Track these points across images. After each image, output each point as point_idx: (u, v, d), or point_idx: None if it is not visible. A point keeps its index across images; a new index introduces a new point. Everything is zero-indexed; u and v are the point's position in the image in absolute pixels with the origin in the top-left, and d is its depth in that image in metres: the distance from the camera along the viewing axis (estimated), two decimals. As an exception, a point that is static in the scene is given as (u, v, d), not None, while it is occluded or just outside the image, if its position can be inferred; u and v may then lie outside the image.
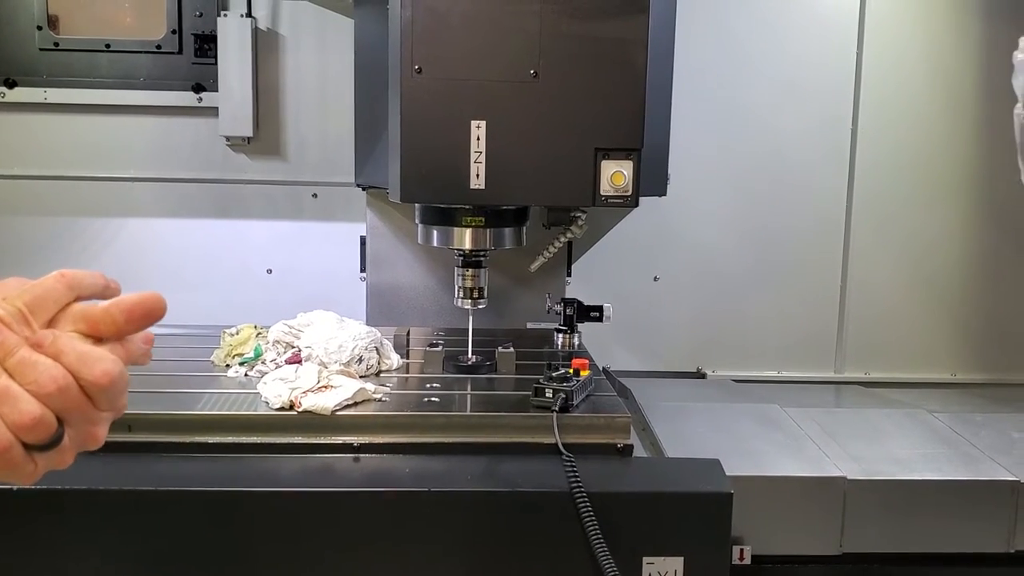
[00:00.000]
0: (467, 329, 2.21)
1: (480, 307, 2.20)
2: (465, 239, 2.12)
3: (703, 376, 2.97)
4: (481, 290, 2.19)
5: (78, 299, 0.72)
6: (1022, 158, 2.09)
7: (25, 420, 0.65)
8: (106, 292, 0.74)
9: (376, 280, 2.64)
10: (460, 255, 2.17)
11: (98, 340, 0.70)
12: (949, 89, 2.88)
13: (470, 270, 2.17)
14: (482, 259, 2.18)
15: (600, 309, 2.40)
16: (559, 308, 2.41)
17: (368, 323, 2.40)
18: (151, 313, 0.72)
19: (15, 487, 1.64)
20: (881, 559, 2.03)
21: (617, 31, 1.96)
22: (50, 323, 0.69)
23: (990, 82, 2.84)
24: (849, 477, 2.00)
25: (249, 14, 2.74)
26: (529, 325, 2.64)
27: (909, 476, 2.04)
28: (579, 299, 2.42)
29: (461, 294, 2.19)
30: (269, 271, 2.93)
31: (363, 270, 2.65)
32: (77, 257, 2.80)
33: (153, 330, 0.74)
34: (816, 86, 2.87)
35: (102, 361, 0.68)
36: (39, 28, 2.74)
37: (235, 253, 2.90)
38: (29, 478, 0.68)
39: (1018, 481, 2.01)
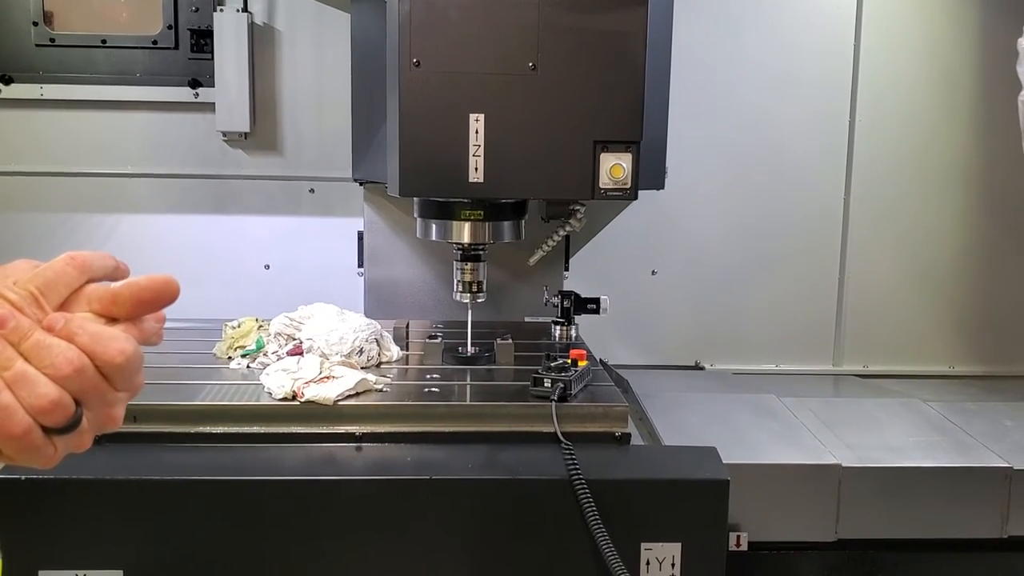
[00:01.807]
0: (465, 321, 2.23)
1: (479, 301, 2.21)
2: (464, 233, 2.14)
3: (701, 369, 2.98)
4: (480, 284, 2.20)
5: (89, 281, 0.72)
6: None
7: (43, 403, 0.64)
8: (116, 274, 0.74)
9: (374, 275, 2.65)
10: (459, 249, 2.18)
11: (111, 320, 0.70)
12: (946, 81, 2.89)
13: (469, 264, 2.19)
14: (481, 253, 2.19)
15: (597, 301, 2.42)
16: (556, 301, 2.42)
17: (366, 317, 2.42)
18: (160, 297, 0.72)
19: (22, 475, 1.65)
20: (876, 545, 2.06)
21: (616, 23, 1.97)
22: (62, 306, 0.69)
23: (987, 73, 2.86)
24: (844, 465, 2.02)
25: (245, 9, 2.75)
26: (526, 318, 2.65)
27: (903, 463, 2.06)
28: (576, 291, 2.44)
29: (460, 288, 2.20)
30: (267, 266, 2.94)
31: (361, 265, 2.66)
32: (74, 253, 2.80)
33: None
34: (814, 78, 2.88)
35: (116, 340, 0.68)
36: (35, 24, 2.74)
37: (232, 249, 2.91)
38: (49, 462, 0.68)
39: (1010, 467, 2.04)
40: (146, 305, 0.72)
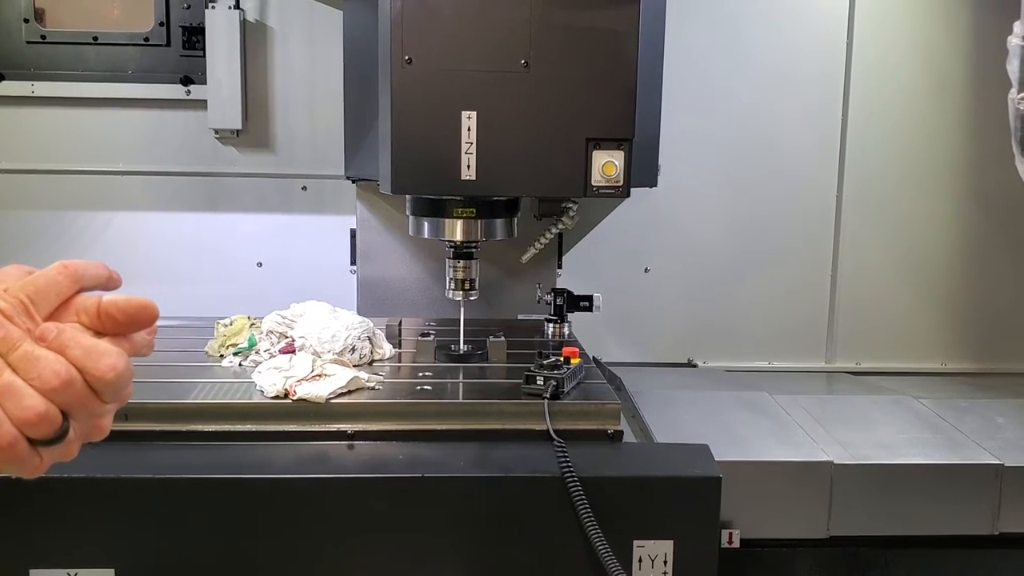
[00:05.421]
0: (458, 320, 2.23)
1: (471, 299, 2.21)
2: (456, 230, 2.13)
3: (694, 367, 2.98)
4: (472, 281, 2.20)
5: (81, 290, 0.71)
6: (1016, 143, 2.11)
7: (29, 415, 0.64)
8: (109, 283, 0.73)
9: (366, 272, 2.65)
10: (451, 247, 2.18)
11: (98, 333, 0.70)
12: (938, 77, 2.90)
13: (461, 261, 2.19)
14: (473, 250, 2.19)
15: (590, 299, 2.42)
16: (549, 298, 2.42)
17: (359, 315, 2.41)
18: (136, 321, 0.71)
19: (12, 474, 1.64)
20: (868, 542, 2.07)
21: (608, 21, 1.97)
22: (52, 315, 0.69)
23: (979, 70, 2.87)
24: (836, 462, 2.03)
25: (237, 6, 2.74)
26: (520, 316, 2.65)
27: (895, 460, 2.07)
28: (569, 289, 2.44)
29: (452, 286, 2.20)
30: (259, 264, 2.93)
31: (353, 262, 2.66)
32: (66, 251, 2.79)
33: None
34: (806, 75, 2.88)
35: (107, 355, 0.67)
36: (26, 21, 2.73)
37: (225, 246, 2.90)
38: (35, 471, 0.67)
39: (1002, 464, 2.05)
40: (121, 327, 0.71)
